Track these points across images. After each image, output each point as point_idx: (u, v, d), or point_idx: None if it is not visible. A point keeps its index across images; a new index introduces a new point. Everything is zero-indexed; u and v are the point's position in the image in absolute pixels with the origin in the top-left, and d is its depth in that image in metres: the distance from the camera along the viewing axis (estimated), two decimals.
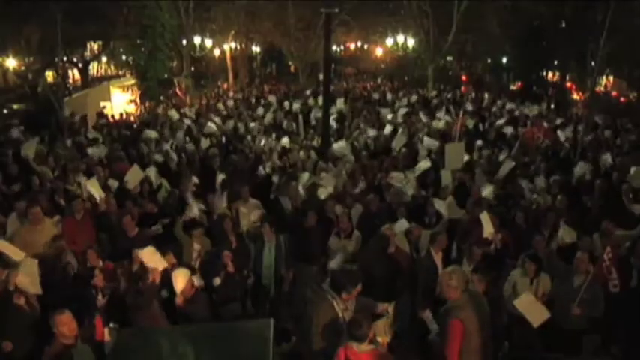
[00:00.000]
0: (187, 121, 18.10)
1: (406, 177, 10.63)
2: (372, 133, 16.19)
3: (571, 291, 6.53)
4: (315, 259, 8.14)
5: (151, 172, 11.06)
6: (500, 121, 18.37)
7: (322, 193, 9.91)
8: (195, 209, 8.77)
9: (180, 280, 6.29)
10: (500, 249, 7.68)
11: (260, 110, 21.03)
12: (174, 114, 19.28)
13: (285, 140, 14.42)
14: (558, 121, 18.69)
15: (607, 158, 12.52)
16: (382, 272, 6.79)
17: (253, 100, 25.82)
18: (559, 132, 16.20)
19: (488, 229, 7.68)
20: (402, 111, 20.14)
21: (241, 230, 8.78)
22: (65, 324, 5.15)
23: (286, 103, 22.83)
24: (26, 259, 6.58)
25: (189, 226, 8.05)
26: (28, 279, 6.29)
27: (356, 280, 5.26)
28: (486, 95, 28.78)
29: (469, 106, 22.62)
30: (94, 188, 9.23)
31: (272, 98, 24.12)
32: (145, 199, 9.81)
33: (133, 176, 10.28)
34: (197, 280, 6.80)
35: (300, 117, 17.93)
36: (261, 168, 11.99)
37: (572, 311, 6.38)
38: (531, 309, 6.40)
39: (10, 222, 8.57)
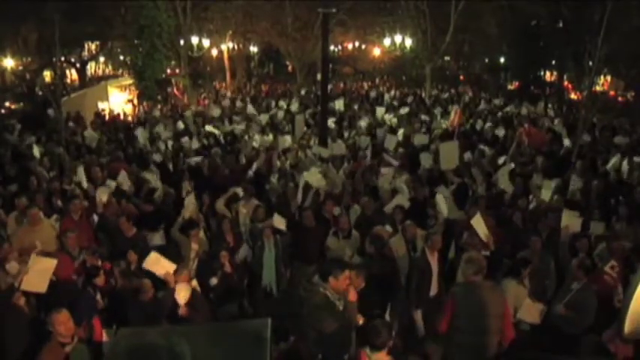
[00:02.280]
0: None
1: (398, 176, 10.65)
2: (363, 123, 16.78)
3: (565, 292, 6.57)
4: (312, 258, 8.15)
5: (151, 175, 11.11)
6: (497, 122, 18.42)
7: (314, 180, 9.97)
8: (191, 207, 8.76)
9: (184, 294, 6.26)
10: (496, 249, 7.67)
11: (258, 110, 21.04)
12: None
13: (287, 140, 14.28)
14: (556, 122, 18.70)
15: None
16: (378, 273, 6.78)
17: (249, 101, 25.79)
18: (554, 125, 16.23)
19: (482, 231, 7.68)
20: (403, 111, 20.15)
21: (241, 230, 8.78)
22: (62, 323, 5.15)
23: (282, 103, 22.83)
24: (40, 258, 6.53)
25: (187, 227, 8.04)
26: (36, 278, 6.25)
27: (342, 267, 5.36)
28: (483, 95, 28.87)
29: (482, 105, 22.74)
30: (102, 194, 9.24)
31: (282, 103, 23.63)
32: (141, 199, 9.82)
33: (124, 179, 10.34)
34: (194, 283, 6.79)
35: (301, 116, 17.94)
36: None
37: (558, 310, 6.41)
38: (532, 313, 6.49)
39: (9, 221, 8.59)
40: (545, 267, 7.30)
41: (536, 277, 6.95)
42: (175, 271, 6.51)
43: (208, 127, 16.66)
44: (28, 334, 5.83)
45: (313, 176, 9.99)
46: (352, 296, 5.33)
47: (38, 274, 6.28)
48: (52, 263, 6.45)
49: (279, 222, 8.47)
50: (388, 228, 8.29)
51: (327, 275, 5.28)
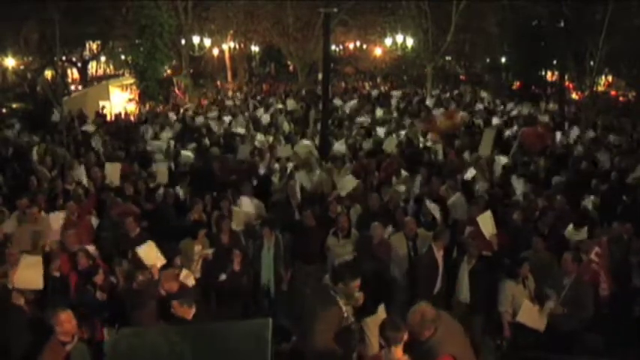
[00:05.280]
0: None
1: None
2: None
3: (559, 290, 6.57)
4: (313, 258, 8.14)
5: (162, 170, 11.19)
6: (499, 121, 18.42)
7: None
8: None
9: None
10: (497, 250, 7.66)
11: (260, 110, 21.07)
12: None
13: (288, 149, 13.98)
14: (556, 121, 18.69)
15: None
16: (367, 273, 6.74)
17: (250, 101, 25.81)
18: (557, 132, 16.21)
19: (487, 229, 7.65)
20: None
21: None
22: (65, 322, 5.13)
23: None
24: (27, 256, 6.57)
25: (194, 228, 8.05)
26: (27, 276, 6.25)
27: (355, 274, 5.20)
28: (484, 95, 28.86)
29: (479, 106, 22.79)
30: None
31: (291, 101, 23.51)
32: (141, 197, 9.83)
33: (112, 172, 10.33)
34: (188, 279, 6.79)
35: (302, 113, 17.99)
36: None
37: (557, 310, 6.42)
38: (533, 317, 6.48)
39: (10, 221, 8.59)
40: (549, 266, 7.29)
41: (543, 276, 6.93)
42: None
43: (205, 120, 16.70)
44: (29, 333, 5.82)
45: (349, 184, 9.95)
46: (359, 300, 5.28)
47: (28, 271, 6.29)
48: (38, 259, 6.53)
49: (247, 205, 8.63)
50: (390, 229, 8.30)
51: (338, 279, 5.20)
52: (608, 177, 10.99)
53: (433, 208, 8.83)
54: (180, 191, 10.31)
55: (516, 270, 6.80)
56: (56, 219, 8.11)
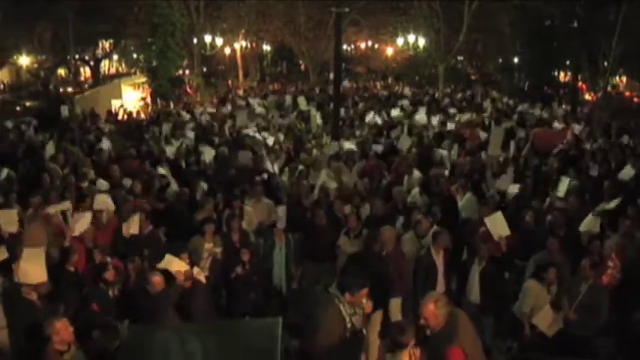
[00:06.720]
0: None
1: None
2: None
3: (576, 295, 6.51)
4: (324, 257, 8.14)
5: (164, 170, 11.17)
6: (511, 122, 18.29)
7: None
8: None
9: (175, 265, 6.43)
10: (508, 250, 7.60)
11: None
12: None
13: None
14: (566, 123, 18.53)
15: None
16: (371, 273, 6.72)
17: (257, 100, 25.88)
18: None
19: (497, 230, 7.58)
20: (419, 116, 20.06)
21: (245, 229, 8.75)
22: (61, 331, 5.03)
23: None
24: (29, 250, 6.44)
25: (202, 224, 8.06)
26: (29, 269, 6.13)
27: (362, 284, 5.16)
28: (495, 94, 28.77)
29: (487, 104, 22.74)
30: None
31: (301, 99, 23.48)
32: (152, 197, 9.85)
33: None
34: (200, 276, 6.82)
35: (314, 110, 17.97)
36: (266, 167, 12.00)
37: (568, 316, 6.37)
38: (548, 322, 6.44)
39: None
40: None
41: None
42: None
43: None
44: (39, 329, 5.81)
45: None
46: (368, 308, 5.23)
47: (29, 264, 6.16)
48: (39, 251, 6.42)
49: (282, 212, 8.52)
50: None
51: (345, 288, 5.17)
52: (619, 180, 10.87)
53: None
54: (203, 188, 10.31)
55: (541, 274, 6.71)
56: (83, 220, 8.01)
